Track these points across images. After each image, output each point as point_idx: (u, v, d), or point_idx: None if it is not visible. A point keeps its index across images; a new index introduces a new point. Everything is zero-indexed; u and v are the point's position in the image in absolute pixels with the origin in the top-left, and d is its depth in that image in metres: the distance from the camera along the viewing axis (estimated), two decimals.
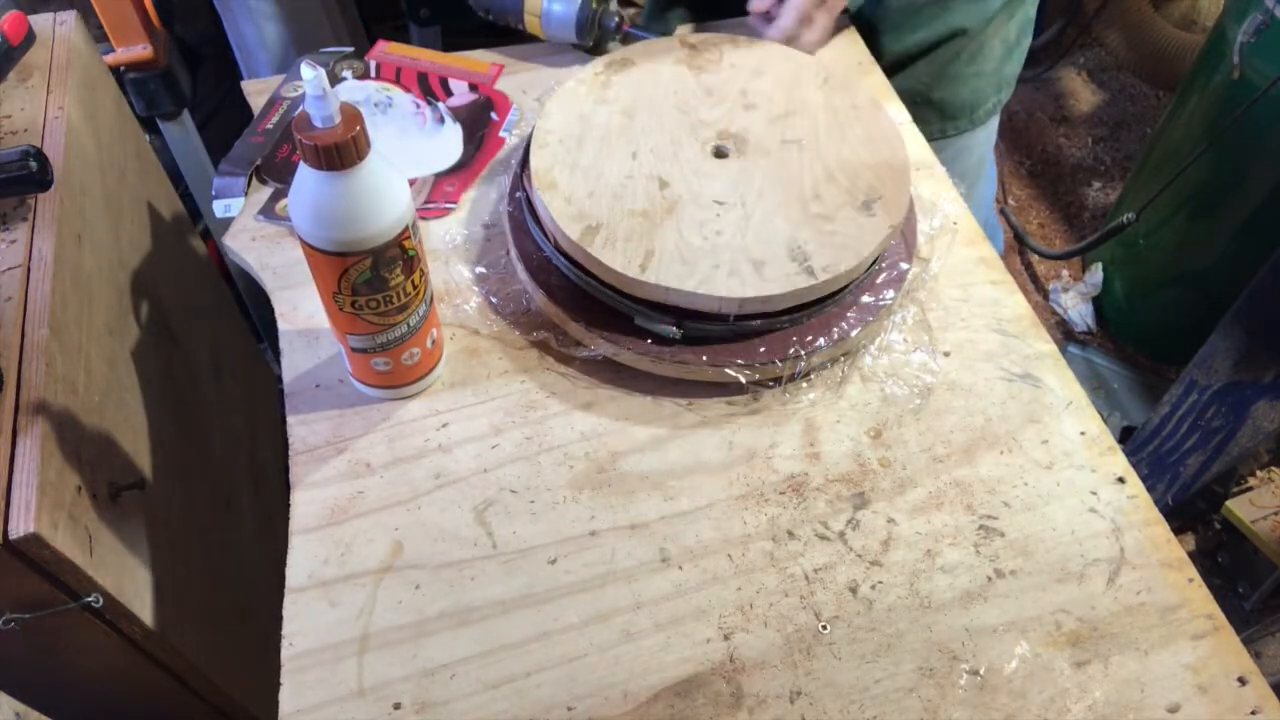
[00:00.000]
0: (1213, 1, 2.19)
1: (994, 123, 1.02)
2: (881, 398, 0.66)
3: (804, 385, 0.67)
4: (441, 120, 0.82)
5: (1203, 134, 1.52)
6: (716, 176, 0.69)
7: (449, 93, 0.85)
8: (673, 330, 0.64)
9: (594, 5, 0.84)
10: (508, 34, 0.89)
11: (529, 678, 0.53)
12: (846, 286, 0.67)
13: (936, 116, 0.95)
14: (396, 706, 0.52)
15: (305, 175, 0.52)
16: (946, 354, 0.69)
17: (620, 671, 0.54)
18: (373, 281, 0.55)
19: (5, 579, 0.62)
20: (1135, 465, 1.46)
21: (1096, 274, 1.90)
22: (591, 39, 0.86)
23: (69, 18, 0.92)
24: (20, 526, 0.59)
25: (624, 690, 0.53)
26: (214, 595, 0.93)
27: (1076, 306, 1.92)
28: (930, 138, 0.85)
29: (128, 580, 0.71)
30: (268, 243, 0.74)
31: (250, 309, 1.48)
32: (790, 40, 0.83)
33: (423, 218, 0.76)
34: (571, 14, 0.84)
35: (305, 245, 0.54)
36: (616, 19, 0.86)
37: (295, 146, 0.79)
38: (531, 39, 0.89)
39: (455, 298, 0.71)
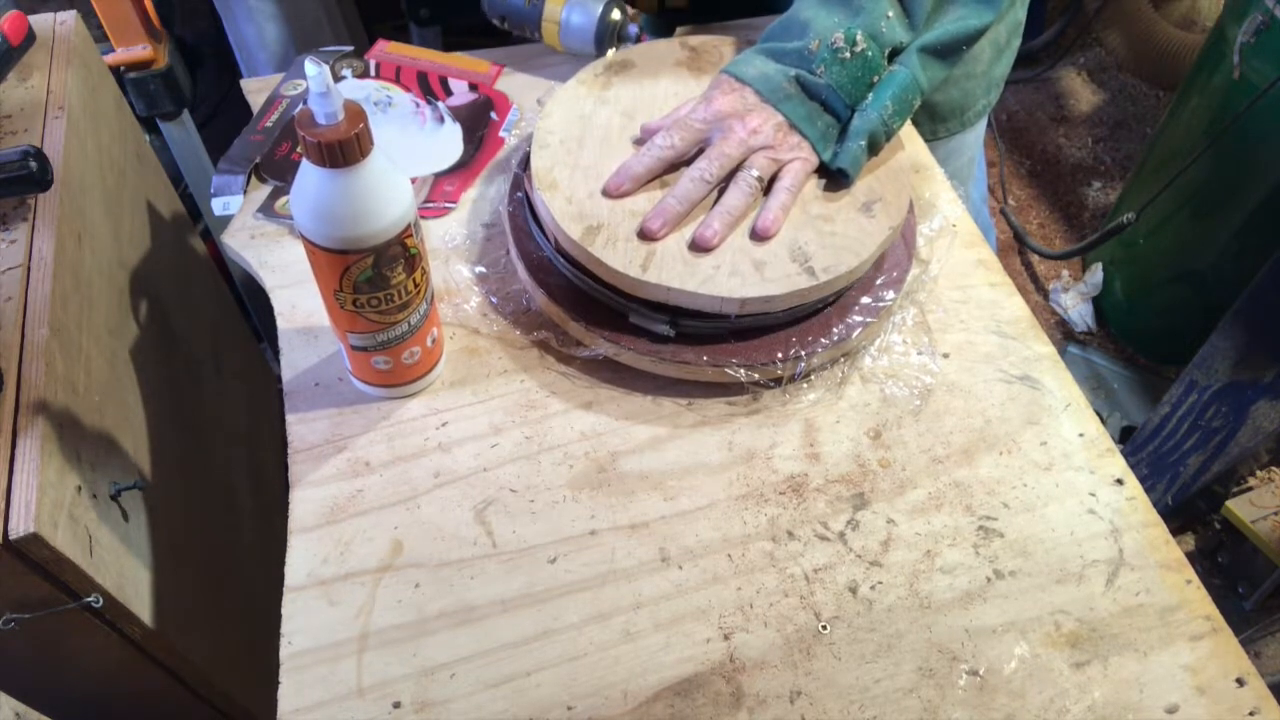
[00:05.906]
0: (1213, 1, 2.19)
1: (983, 124, 1.02)
2: (881, 398, 0.67)
3: (804, 386, 0.67)
4: (441, 120, 0.82)
5: (1203, 134, 1.52)
6: None
7: (449, 92, 0.85)
8: (666, 328, 0.64)
9: (613, 17, 0.82)
10: (508, 34, 0.89)
11: (529, 677, 0.54)
12: (847, 287, 0.67)
13: (927, 118, 0.95)
14: (396, 705, 0.52)
15: (308, 172, 0.52)
16: (946, 355, 0.69)
17: (620, 671, 0.54)
18: (374, 280, 0.55)
19: (5, 579, 0.62)
20: (1135, 465, 1.47)
21: (1096, 274, 1.90)
22: (610, 51, 0.84)
23: (69, 18, 0.92)
24: (20, 526, 0.59)
25: (624, 690, 0.53)
26: (214, 595, 0.93)
27: (1076, 306, 1.92)
28: (922, 140, 0.85)
29: (128, 580, 0.71)
30: (267, 241, 0.74)
31: (250, 309, 1.48)
32: (735, 221, 0.65)
33: (423, 217, 0.76)
34: (590, 25, 0.82)
35: (307, 243, 0.54)
36: (637, 30, 0.84)
37: (295, 144, 0.79)
38: (532, 40, 0.88)
39: (455, 297, 0.71)
